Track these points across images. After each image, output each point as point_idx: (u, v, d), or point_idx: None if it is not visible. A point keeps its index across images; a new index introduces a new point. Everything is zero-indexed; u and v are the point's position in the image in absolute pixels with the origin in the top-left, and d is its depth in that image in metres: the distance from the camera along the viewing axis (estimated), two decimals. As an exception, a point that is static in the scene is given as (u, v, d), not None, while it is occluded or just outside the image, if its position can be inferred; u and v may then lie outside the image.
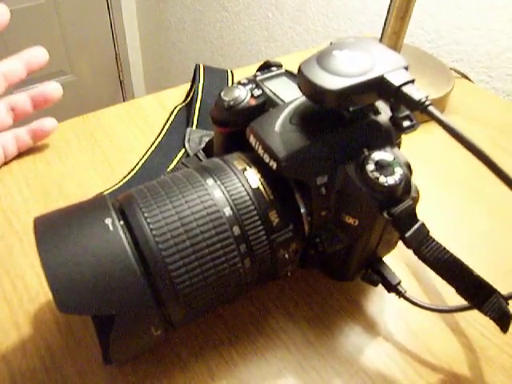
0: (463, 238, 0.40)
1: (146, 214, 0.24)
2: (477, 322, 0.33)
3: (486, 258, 0.38)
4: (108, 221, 0.23)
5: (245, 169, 0.27)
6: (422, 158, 0.47)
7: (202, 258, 0.24)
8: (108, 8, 1.74)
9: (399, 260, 0.36)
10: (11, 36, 1.57)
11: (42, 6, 1.59)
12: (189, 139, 0.46)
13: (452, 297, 0.28)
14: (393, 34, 0.53)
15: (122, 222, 0.24)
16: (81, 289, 0.21)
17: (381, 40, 0.55)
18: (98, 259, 0.22)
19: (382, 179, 0.25)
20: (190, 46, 1.52)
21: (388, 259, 0.32)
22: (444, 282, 0.27)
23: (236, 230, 0.25)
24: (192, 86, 0.52)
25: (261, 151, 0.26)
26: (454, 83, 0.56)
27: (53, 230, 0.23)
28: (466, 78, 0.63)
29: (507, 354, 0.31)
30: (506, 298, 0.27)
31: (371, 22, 0.86)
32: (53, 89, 0.42)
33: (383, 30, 0.54)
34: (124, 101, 2.00)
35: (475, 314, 0.28)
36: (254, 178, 0.27)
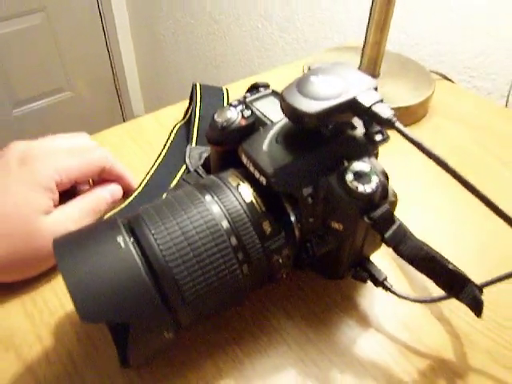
0: (451, 231, 0.43)
1: (153, 231, 0.27)
2: (460, 311, 0.35)
3: (472, 249, 0.41)
4: (120, 239, 0.26)
5: (238, 184, 0.30)
6: (409, 154, 0.50)
7: (204, 267, 0.27)
8: (102, 25, 1.78)
9: (386, 256, 0.38)
10: (9, 57, 1.61)
11: (38, 27, 1.63)
12: (189, 156, 0.49)
13: (435, 289, 0.31)
14: (374, 44, 0.56)
15: (132, 240, 0.27)
16: (99, 300, 0.24)
17: (363, 49, 0.58)
18: (112, 273, 0.25)
19: (361, 188, 0.28)
20: (183, 59, 1.55)
21: (376, 257, 0.35)
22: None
23: (233, 240, 0.28)
24: (190, 105, 0.55)
25: (252, 168, 0.30)
26: (435, 85, 0.59)
27: (70, 249, 0.26)
28: (447, 79, 0.66)
29: (489, 337, 0.34)
30: (480, 287, 0.30)
31: (356, 29, 0.89)
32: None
33: (365, 40, 0.57)
34: (122, 115, 2.03)
35: (458, 304, 0.30)
36: (247, 192, 0.30)
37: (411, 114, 0.57)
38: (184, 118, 0.55)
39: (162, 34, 1.61)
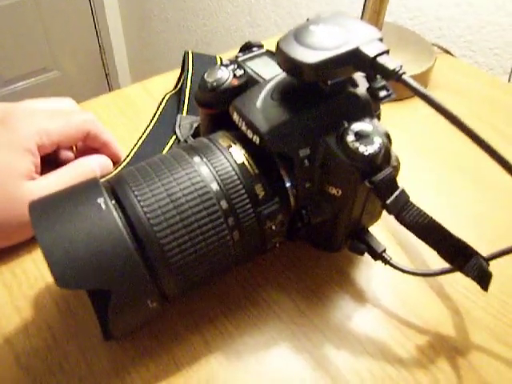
0: (448, 206, 0.41)
1: (136, 193, 0.25)
2: (461, 286, 0.34)
3: (471, 225, 0.39)
4: (100, 200, 0.24)
5: (230, 145, 0.28)
6: (407, 133, 0.49)
7: (192, 231, 0.25)
8: (90, 2, 1.73)
9: (385, 230, 0.37)
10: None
11: (23, 3, 1.58)
12: (179, 125, 0.47)
13: (435, 263, 0.29)
14: (373, 13, 0.54)
15: (113, 202, 0.25)
16: (77, 265, 0.22)
17: (361, 18, 0.55)
18: (92, 237, 0.23)
19: (362, 149, 0.26)
20: (174, 36, 1.52)
21: (373, 230, 0.33)
22: (427, 249, 0.28)
23: (223, 203, 0.26)
24: (181, 74, 0.53)
25: (244, 127, 0.27)
26: (436, 59, 0.57)
27: (47, 212, 0.24)
28: (448, 53, 0.64)
29: (491, 314, 0.33)
30: (487, 259, 0.29)
31: (352, 2, 0.87)
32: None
33: (363, 8, 0.55)
34: (110, 93, 1.99)
35: (459, 278, 0.29)
36: (238, 153, 0.28)
37: (410, 86, 0.54)
38: (175, 87, 0.53)
39: (151, 10, 1.57)
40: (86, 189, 0.25)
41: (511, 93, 0.57)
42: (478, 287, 0.29)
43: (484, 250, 0.29)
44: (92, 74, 1.91)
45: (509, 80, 0.70)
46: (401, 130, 0.48)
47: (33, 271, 0.34)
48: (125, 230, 0.23)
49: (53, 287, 0.33)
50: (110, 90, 1.99)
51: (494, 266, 0.29)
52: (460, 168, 0.45)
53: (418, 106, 0.54)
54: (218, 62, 0.53)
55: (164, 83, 0.54)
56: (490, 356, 0.31)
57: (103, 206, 0.24)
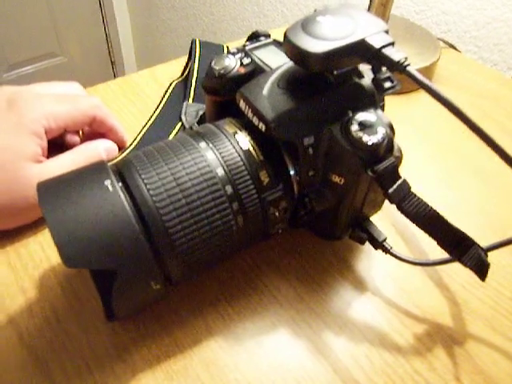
0: (450, 197, 0.41)
1: (143, 176, 0.25)
2: (459, 277, 0.35)
3: (473, 216, 0.40)
4: (107, 182, 0.24)
5: (235, 132, 0.28)
6: (411, 125, 0.49)
7: (197, 215, 0.25)
8: (96, -14, 1.73)
9: (386, 220, 0.37)
10: (1, 19, 1.56)
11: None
12: (185, 113, 0.47)
13: (435, 253, 0.30)
14: (380, 6, 0.54)
15: (120, 184, 0.25)
16: (84, 245, 0.23)
17: (369, 8, 0.55)
18: (99, 217, 0.23)
19: (366, 138, 0.26)
20: (180, 24, 1.51)
21: (375, 219, 0.33)
22: (428, 239, 0.29)
23: (228, 188, 0.26)
24: (188, 62, 0.53)
25: (250, 115, 0.28)
26: (441, 53, 0.58)
27: (55, 193, 0.24)
28: (454, 48, 0.64)
29: (488, 305, 0.33)
30: (485, 250, 0.29)
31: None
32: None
33: (370, 0, 0.55)
34: (116, 81, 1.99)
35: (458, 269, 0.30)
36: (244, 140, 0.28)
37: (415, 80, 0.55)
38: (182, 75, 0.53)
39: (158, -2, 1.56)
40: (94, 171, 0.26)
41: (513, 88, 0.57)
42: (476, 278, 0.29)
43: (485, 241, 0.29)
44: (98, 61, 1.91)
45: (513, 76, 0.70)
46: (405, 123, 0.48)
47: (38, 252, 0.34)
48: (131, 211, 0.24)
49: (57, 268, 0.33)
50: (115, 77, 1.99)
51: (491, 258, 0.30)
52: (463, 160, 0.45)
53: (423, 99, 0.54)
54: (225, 51, 0.53)
55: (171, 71, 0.55)
56: (485, 345, 0.31)
57: (110, 188, 0.24)
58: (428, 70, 0.55)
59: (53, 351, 0.29)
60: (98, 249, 0.23)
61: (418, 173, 0.43)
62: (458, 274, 0.35)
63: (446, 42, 0.64)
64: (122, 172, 0.26)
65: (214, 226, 0.26)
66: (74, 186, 0.25)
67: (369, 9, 0.55)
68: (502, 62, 0.73)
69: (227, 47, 0.54)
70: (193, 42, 0.52)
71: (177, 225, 0.25)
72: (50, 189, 0.25)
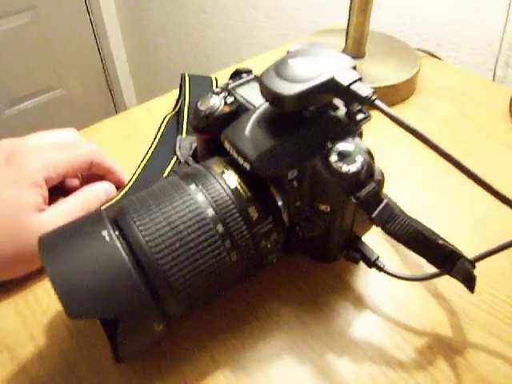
0: (442, 205, 0.43)
1: (137, 223, 0.27)
2: (454, 286, 0.35)
3: (463, 224, 0.41)
4: (104, 232, 0.26)
5: (223, 171, 0.30)
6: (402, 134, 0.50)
7: (192, 256, 0.27)
8: (90, 21, 1.77)
9: (380, 237, 0.38)
10: (1, 56, 1.61)
11: (28, 25, 1.63)
12: (180, 146, 0.49)
13: (428, 265, 0.31)
14: (358, 25, 0.56)
15: (117, 233, 0.27)
16: (85, 295, 0.24)
17: (347, 30, 0.57)
18: (98, 268, 0.25)
19: (345, 168, 0.27)
20: (173, 50, 1.55)
21: (369, 237, 0.34)
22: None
23: (220, 227, 0.28)
24: (180, 95, 0.55)
25: (235, 155, 0.29)
26: (422, 62, 0.59)
27: (55, 246, 0.26)
28: (433, 55, 0.66)
29: (485, 311, 0.34)
30: (472, 261, 0.30)
31: (340, 12, 0.88)
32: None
33: (348, 21, 0.57)
34: (115, 109, 2.02)
35: (452, 279, 0.30)
36: (231, 179, 0.29)
37: (398, 92, 0.56)
38: (174, 108, 0.55)
39: (151, 25, 1.60)
40: (91, 222, 0.27)
41: (496, 91, 0.59)
42: (471, 285, 0.30)
43: (478, 248, 0.31)
44: (96, 91, 1.95)
45: (493, 77, 0.71)
46: (395, 132, 0.49)
47: (45, 299, 0.36)
48: (128, 259, 0.25)
49: (64, 314, 0.35)
50: (114, 106, 2.02)
51: (484, 263, 0.31)
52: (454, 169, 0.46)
53: (411, 110, 0.55)
54: (214, 84, 0.55)
55: (165, 104, 0.56)
56: (485, 352, 0.32)
57: (107, 238, 0.26)
58: (410, 82, 0.57)
59: (65, 396, 0.30)
60: (99, 299, 0.24)
61: (404, 180, 0.45)
62: (453, 283, 0.35)
63: (425, 51, 0.66)
64: (118, 220, 0.27)
65: (209, 264, 0.27)
66: (74, 237, 0.26)
67: (347, 29, 0.57)
68: (481, 65, 0.74)
69: (215, 79, 0.56)
70: (182, 77, 0.54)
71: (173, 267, 0.26)
72: (50, 242, 0.26)
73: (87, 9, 1.74)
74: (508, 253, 0.35)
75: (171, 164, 0.48)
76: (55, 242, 0.26)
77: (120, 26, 1.81)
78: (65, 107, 1.85)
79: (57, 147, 0.38)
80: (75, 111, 1.86)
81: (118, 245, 0.26)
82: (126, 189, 0.45)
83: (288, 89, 0.26)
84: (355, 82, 0.26)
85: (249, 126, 0.30)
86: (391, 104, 0.56)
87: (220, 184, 0.29)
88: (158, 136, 0.51)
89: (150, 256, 0.26)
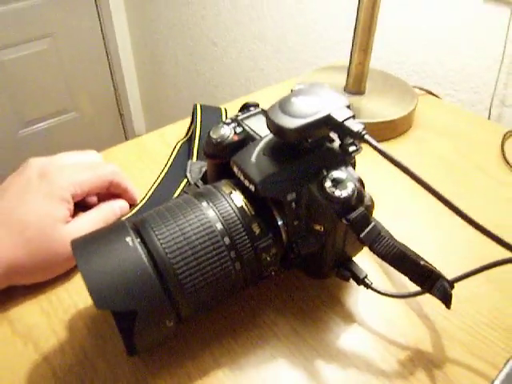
0: (430, 235, 0.46)
1: (156, 233, 0.31)
2: (437, 306, 0.37)
3: (447, 248, 0.45)
4: (128, 239, 0.30)
5: (231, 192, 0.34)
6: (389, 169, 0.54)
7: (201, 263, 0.31)
8: (105, 48, 1.84)
9: (371, 258, 0.42)
10: (18, 79, 1.67)
11: (45, 52, 1.70)
12: (190, 170, 0.53)
13: (412, 284, 0.34)
14: (358, 64, 0.61)
15: (138, 240, 0.31)
16: (111, 290, 0.28)
17: (349, 69, 0.62)
18: (122, 268, 0.29)
19: (338, 193, 0.32)
20: (183, 79, 1.61)
21: (361, 257, 0.38)
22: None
23: (226, 240, 0.32)
24: (191, 123, 0.59)
25: (242, 178, 0.34)
26: (420, 100, 0.63)
27: (86, 248, 0.30)
28: (431, 93, 0.70)
29: (466, 331, 0.37)
30: (450, 282, 0.34)
31: (345, 49, 0.94)
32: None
33: (350, 61, 0.62)
34: (125, 133, 2.08)
35: (436, 300, 0.34)
36: (238, 198, 0.34)
37: (395, 128, 0.60)
38: (186, 135, 0.59)
39: (162, 55, 1.67)
40: (116, 230, 0.32)
41: (490, 130, 0.62)
42: (454, 307, 0.34)
43: (460, 271, 0.34)
44: (107, 115, 2.01)
45: (489, 116, 0.76)
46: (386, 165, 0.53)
47: (66, 299, 0.40)
48: (148, 262, 0.30)
49: (83, 312, 0.38)
50: (124, 130, 2.08)
51: (466, 287, 0.34)
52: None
53: (403, 144, 0.60)
54: (223, 114, 0.60)
55: (177, 131, 0.61)
56: (464, 368, 0.35)
57: (130, 244, 0.30)
58: (407, 118, 0.61)
59: (82, 384, 0.34)
60: (122, 293, 0.28)
61: (400, 208, 0.49)
62: (437, 304, 0.38)
63: (423, 89, 0.70)
64: (139, 229, 0.32)
65: (216, 271, 0.31)
66: (102, 242, 0.31)
67: (349, 67, 0.62)
68: (479, 103, 0.79)
69: (225, 109, 0.61)
70: (194, 107, 0.59)
71: (185, 271, 0.30)
72: (82, 244, 0.31)
73: (103, 38, 1.82)
74: (492, 279, 0.39)
75: (181, 185, 0.52)
76: (86, 244, 0.30)
77: (133, 54, 1.89)
78: (76, 130, 1.91)
79: (82, 167, 0.43)
80: (86, 134, 1.92)
81: (140, 250, 0.30)
82: (139, 207, 0.49)
83: (290, 123, 0.31)
84: (348, 118, 0.31)
85: (255, 153, 0.34)
86: (388, 138, 0.60)
87: (228, 202, 0.33)
88: (171, 160, 0.56)
89: (166, 261, 0.30)
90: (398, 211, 0.48)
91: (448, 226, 0.47)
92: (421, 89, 0.70)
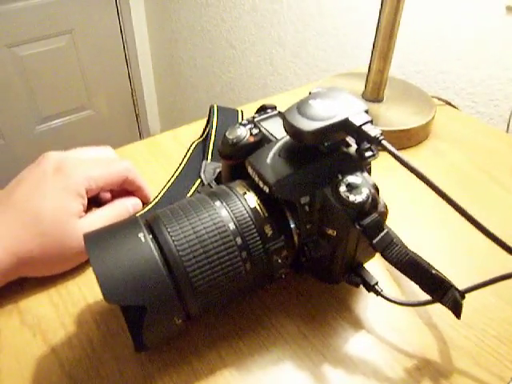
0: (440, 239, 0.46)
1: (169, 230, 0.31)
2: (447, 316, 0.38)
3: (460, 258, 0.44)
4: (140, 235, 0.30)
5: (245, 192, 0.34)
6: (405, 177, 0.54)
7: (212, 261, 0.31)
8: (124, 48, 1.86)
9: (382, 265, 0.42)
10: (36, 76, 1.69)
11: (64, 48, 1.72)
12: (204, 171, 0.53)
13: (423, 294, 0.34)
14: (378, 72, 0.61)
15: (151, 236, 0.31)
16: (121, 285, 0.28)
17: (368, 76, 0.62)
18: (134, 264, 0.29)
19: (352, 197, 0.31)
20: (201, 81, 1.62)
21: (372, 264, 0.38)
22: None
23: (238, 240, 0.32)
24: (207, 124, 0.60)
25: (257, 179, 0.34)
26: (438, 110, 0.63)
27: (99, 243, 0.30)
28: (450, 104, 0.69)
29: (473, 342, 0.37)
30: (461, 292, 0.34)
31: (364, 56, 0.94)
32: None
33: (369, 67, 0.61)
34: (139, 133, 2.10)
35: (445, 309, 0.33)
36: (252, 199, 0.34)
37: (412, 137, 0.60)
38: (201, 136, 0.59)
39: (180, 57, 1.68)
40: (129, 225, 0.32)
41: (509, 143, 0.61)
42: (463, 318, 0.33)
43: (471, 282, 0.34)
44: (123, 114, 2.03)
45: (507, 129, 0.75)
46: (398, 174, 0.53)
47: (76, 293, 0.40)
48: (159, 259, 0.30)
49: (92, 306, 0.39)
50: (139, 129, 2.10)
51: (475, 298, 0.34)
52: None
53: (419, 153, 0.59)
54: (239, 116, 0.60)
55: (192, 132, 0.61)
56: (471, 380, 0.35)
57: (142, 240, 0.30)
58: (424, 128, 0.61)
59: (89, 378, 0.34)
60: (132, 289, 0.28)
61: (410, 216, 0.48)
62: (446, 313, 0.38)
63: (442, 100, 0.70)
64: (152, 226, 0.32)
65: (227, 270, 0.31)
66: (114, 237, 0.31)
67: (368, 74, 0.62)
68: (497, 116, 0.78)
69: (241, 111, 0.61)
70: (211, 108, 0.59)
71: (196, 269, 0.30)
72: (94, 238, 0.31)
73: (121, 37, 1.84)
74: (502, 291, 0.39)
75: (195, 185, 0.52)
76: (98, 239, 0.31)
77: (151, 54, 1.90)
78: (92, 128, 1.93)
79: (97, 163, 0.43)
80: (101, 133, 1.95)
81: (152, 246, 0.30)
82: (152, 205, 0.49)
83: (307, 125, 0.31)
84: (366, 123, 0.30)
85: (270, 154, 0.34)
86: (404, 147, 0.60)
87: (242, 203, 0.33)
88: (185, 160, 0.56)
89: (177, 258, 0.30)
90: (408, 219, 0.48)
91: (458, 236, 0.47)
92: (439, 99, 0.69)
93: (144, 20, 1.81)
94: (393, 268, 0.42)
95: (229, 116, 0.60)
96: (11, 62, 1.62)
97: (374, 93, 0.63)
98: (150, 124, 2.11)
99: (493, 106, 0.78)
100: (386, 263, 0.34)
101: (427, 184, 0.29)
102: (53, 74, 1.73)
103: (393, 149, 0.30)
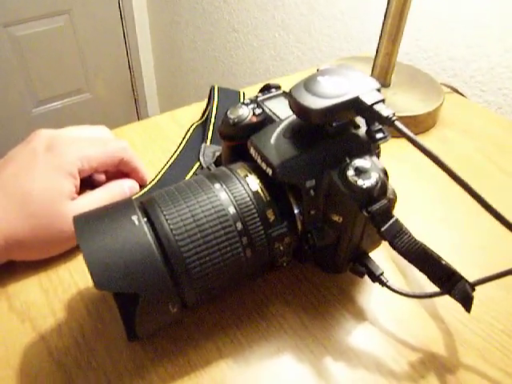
0: (449, 232, 0.44)
1: (164, 213, 0.29)
2: (453, 309, 0.37)
3: (470, 249, 0.42)
4: (134, 217, 0.28)
5: (246, 175, 0.32)
6: (411, 164, 0.52)
7: (211, 247, 0.29)
8: (123, 29, 1.83)
9: (387, 255, 0.40)
10: (33, 57, 1.66)
11: (62, 28, 1.69)
12: (203, 153, 0.52)
13: (431, 286, 0.33)
14: (386, 55, 0.59)
15: (145, 219, 0.29)
16: (113, 271, 0.26)
17: (375, 59, 0.60)
18: (126, 248, 0.27)
19: (360, 182, 0.30)
20: (201, 65, 1.59)
21: (376, 254, 0.36)
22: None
23: (239, 225, 0.30)
24: (207, 106, 0.57)
25: (259, 160, 0.32)
26: (446, 98, 0.61)
27: (89, 226, 0.28)
28: (458, 92, 0.68)
29: (481, 337, 0.36)
30: (472, 284, 0.32)
31: (370, 41, 0.91)
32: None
33: (377, 51, 0.59)
34: (138, 118, 2.07)
35: (452, 302, 0.32)
36: (253, 182, 0.32)
37: (419, 124, 0.58)
38: (201, 118, 0.57)
39: (181, 40, 1.65)
40: (122, 207, 0.30)
41: (516, 132, 0.60)
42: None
43: (479, 275, 0.32)
44: (121, 98, 2.00)
45: (515, 119, 0.73)
46: (407, 162, 0.51)
47: (67, 278, 0.38)
48: (153, 243, 0.28)
49: (84, 293, 0.37)
50: (137, 114, 2.07)
51: (486, 293, 0.32)
52: (462, 197, 0.48)
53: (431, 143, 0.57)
54: (241, 99, 0.58)
55: (191, 113, 0.59)
56: (477, 375, 0.33)
57: (136, 223, 0.28)
58: (432, 115, 0.59)
59: (78, 367, 0.32)
60: (125, 275, 0.26)
61: (419, 209, 0.47)
62: (453, 306, 0.37)
63: (450, 87, 0.68)
64: (147, 208, 0.30)
65: (226, 257, 0.29)
66: (106, 219, 0.29)
67: (375, 58, 0.60)
68: (506, 106, 0.76)
69: (243, 93, 0.59)
70: (212, 88, 0.57)
71: (193, 255, 0.28)
72: (85, 221, 0.29)
73: (121, 17, 1.81)
74: (510, 285, 0.37)
75: (194, 168, 0.50)
76: (89, 221, 0.29)
77: (151, 36, 1.87)
78: (89, 111, 1.90)
79: (91, 142, 0.41)
80: (99, 116, 1.92)
81: (146, 229, 0.28)
82: (149, 187, 0.47)
83: (315, 103, 0.28)
84: (378, 102, 0.28)
85: (274, 135, 0.32)
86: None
87: (243, 186, 0.31)
88: (184, 142, 0.54)
89: (173, 243, 0.28)
90: (415, 209, 0.46)
91: (466, 226, 0.45)
92: (448, 86, 0.67)
93: (144, 1, 1.77)
94: (398, 258, 0.41)
95: (230, 97, 0.58)
96: (7, 43, 1.59)
97: (380, 77, 0.61)
98: (148, 109, 2.08)
99: (501, 95, 0.76)
100: (391, 253, 0.33)
101: (441, 167, 0.27)
102: (50, 56, 1.70)
103: (406, 130, 0.28)
